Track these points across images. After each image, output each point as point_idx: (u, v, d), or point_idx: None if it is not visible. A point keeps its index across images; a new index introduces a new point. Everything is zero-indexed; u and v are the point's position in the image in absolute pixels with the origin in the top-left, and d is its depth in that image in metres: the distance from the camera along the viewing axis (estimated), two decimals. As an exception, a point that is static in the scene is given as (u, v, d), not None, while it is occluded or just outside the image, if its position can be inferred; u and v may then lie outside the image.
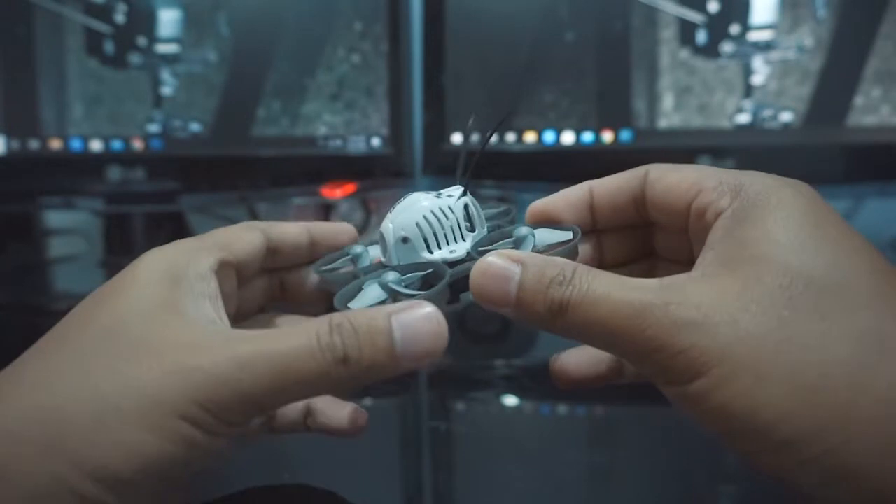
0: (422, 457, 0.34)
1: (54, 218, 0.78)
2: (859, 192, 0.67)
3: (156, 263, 0.25)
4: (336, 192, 0.66)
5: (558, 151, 0.62)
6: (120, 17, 0.63)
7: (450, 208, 0.26)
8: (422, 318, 0.22)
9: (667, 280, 0.22)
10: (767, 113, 0.61)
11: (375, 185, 0.67)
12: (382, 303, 0.25)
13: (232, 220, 0.76)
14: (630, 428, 0.37)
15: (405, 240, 0.26)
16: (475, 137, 0.62)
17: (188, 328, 0.22)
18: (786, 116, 0.60)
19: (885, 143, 0.60)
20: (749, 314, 0.21)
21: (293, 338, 0.21)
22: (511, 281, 0.22)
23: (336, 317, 0.21)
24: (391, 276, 0.25)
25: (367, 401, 0.39)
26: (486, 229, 0.28)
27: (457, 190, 0.27)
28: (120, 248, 0.68)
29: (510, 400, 0.40)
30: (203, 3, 0.63)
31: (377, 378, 0.22)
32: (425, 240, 0.26)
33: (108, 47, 0.64)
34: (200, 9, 0.63)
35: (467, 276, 0.24)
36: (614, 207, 0.28)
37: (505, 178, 0.64)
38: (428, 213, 0.26)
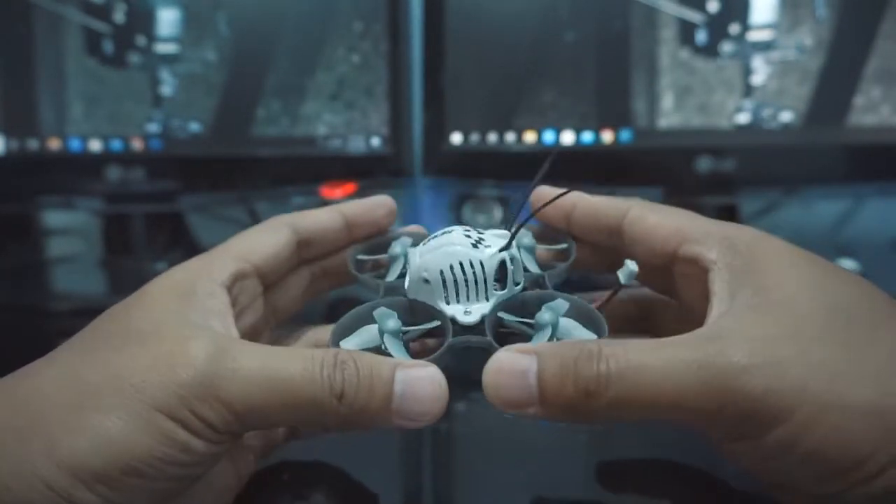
0: (422, 457, 0.34)
1: (53, 218, 0.78)
2: (859, 192, 0.67)
3: (165, 280, 0.25)
4: (336, 192, 0.66)
5: (559, 152, 0.62)
6: (119, 17, 0.63)
7: (482, 264, 0.24)
8: (425, 378, 0.21)
9: (703, 331, 0.22)
10: (767, 113, 0.61)
11: (375, 184, 0.67)
12: (375, 348, 0.24)
13: (232, 220, 0.77)
14: (630, 428, 0.37)
15: (426, 281, 0.25)
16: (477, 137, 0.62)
17: (190, 329, 0.22)
18: (786, 116, 0.60)
19: (886, 143, 0.60)
20: (811, 348, 0.20)
21: (296, 360, 0.21)
22: (528, 373, 0.21)
23: (342, 353, 0.21)
24: (391, 323, 0.24)
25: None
26: (520, 286, 0.26)
27: (500, 239, 0.25)
28: (119, 248, 0.68)
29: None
30: (203, 3, 0.63)
31: (364, 426, 0.21)
32: (445, 289, 0.24)
33: (108, 47, 0.63)
34: (200, 8, 0.63)
35: (475, 348, 0.23)
36: (588, 226, 0.29)
37: (505, 178, 0.63)
38: (456, 263, 0.24)
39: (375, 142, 0.65)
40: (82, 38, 0.63)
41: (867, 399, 0.19)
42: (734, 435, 0.20)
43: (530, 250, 0.29)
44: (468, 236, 0.25)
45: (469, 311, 0.24)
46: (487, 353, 0.23)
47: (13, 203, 0.69)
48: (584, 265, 0.30)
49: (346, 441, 0.33)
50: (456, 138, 0.64)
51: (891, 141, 0.59)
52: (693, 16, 0.60)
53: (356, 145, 0.65)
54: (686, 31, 0.60)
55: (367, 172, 0.65)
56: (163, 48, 0.64)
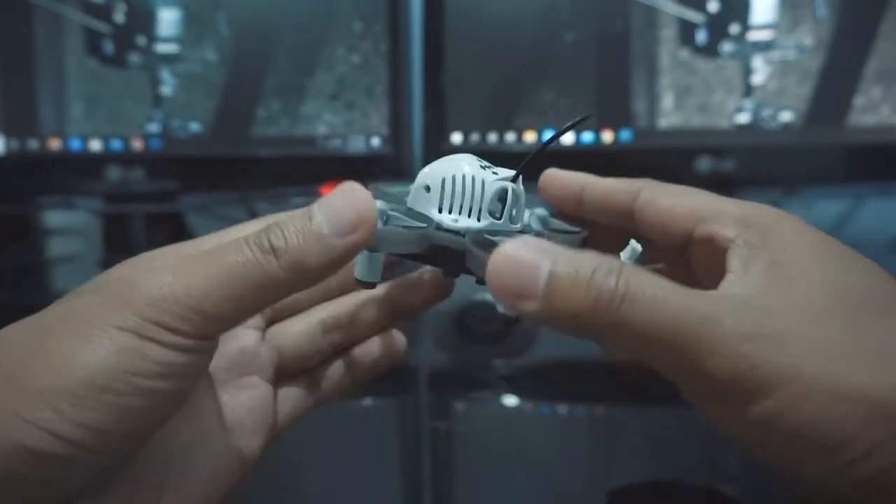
0: (422, 457, 0.34)
1: (53, 218, 0.78)
2: (859, 192, 0.67)
3: (145, 255, 0.25)
4: (336, 192, 0.66)
5: (558, 151, 0.62)
6: (119, 17, 0.63)
7: (483, 183, 0.25)
8: (339, 192, 0.22)
9: (714, 293, 0.22)
10: (767, 113, 0.61)
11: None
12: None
13: (232, 220, 0.76)
14: (630, 428, 0.37)
15: (427, 188, 0.25)
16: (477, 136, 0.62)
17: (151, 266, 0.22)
18: (786, 116, 0.60)
19: (885, 143, 0.60)
20: (813, 327, 0.20)
21: (230, 247, 0.21)
22: (539, 269, 0.20)
23: (268, 224, 0.22)
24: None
25: (368, 401, 0.39)
26: (517, 226, 0.26)
27: (508, 172, 0.26)
28: (119, 248, 0.68)
29: (510, 400, 0.40)
30: (203, 3, 0.63)
31: (326, 267, 0.22)
32: (442, 198, 0.25)
33: (108, 47, 0.64)
34: (200, 8, 0.63)
35: (453, 252, 0.24)
36: (600, 210, 0.29)
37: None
38: (459, 175, 0.25)
39: (375, 142, 0.65)
40: (82, 38, 0.63)
41: (858, 386, 0.19)
42: (717, 399, 0.20)
43: (543, 220, 0.29)
44: (478, 161, 0.26)
45: (457, 221, 0.25)
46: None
47: (13, 203, 0.69)
48: (598, 247, 0.30)
49: (346, 440, 0.33)
50: (456, 138, 0.64)
51: (891, 141, 0.59)
52: (693, 16, 0.60)
53: (356, 145, 0.65)
54: (686, 31, 0.60)
55: (367, 172, 0.65)
56: (163, 48, 0.64)
